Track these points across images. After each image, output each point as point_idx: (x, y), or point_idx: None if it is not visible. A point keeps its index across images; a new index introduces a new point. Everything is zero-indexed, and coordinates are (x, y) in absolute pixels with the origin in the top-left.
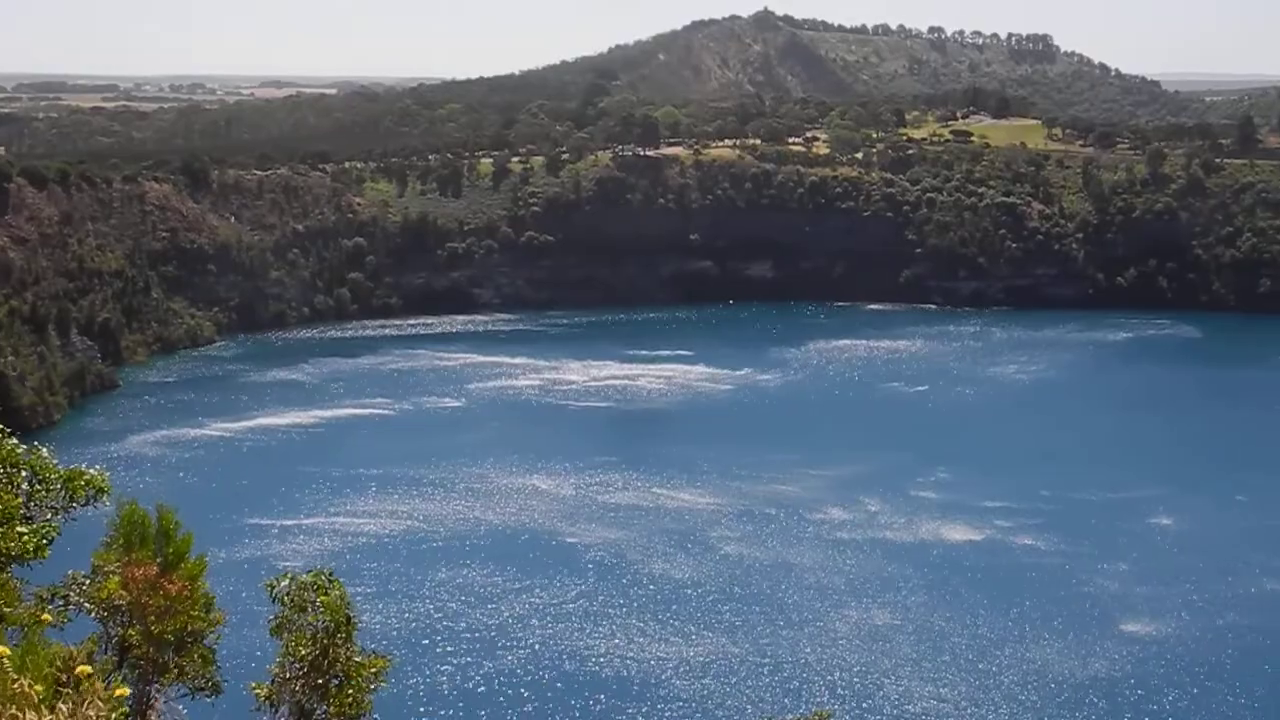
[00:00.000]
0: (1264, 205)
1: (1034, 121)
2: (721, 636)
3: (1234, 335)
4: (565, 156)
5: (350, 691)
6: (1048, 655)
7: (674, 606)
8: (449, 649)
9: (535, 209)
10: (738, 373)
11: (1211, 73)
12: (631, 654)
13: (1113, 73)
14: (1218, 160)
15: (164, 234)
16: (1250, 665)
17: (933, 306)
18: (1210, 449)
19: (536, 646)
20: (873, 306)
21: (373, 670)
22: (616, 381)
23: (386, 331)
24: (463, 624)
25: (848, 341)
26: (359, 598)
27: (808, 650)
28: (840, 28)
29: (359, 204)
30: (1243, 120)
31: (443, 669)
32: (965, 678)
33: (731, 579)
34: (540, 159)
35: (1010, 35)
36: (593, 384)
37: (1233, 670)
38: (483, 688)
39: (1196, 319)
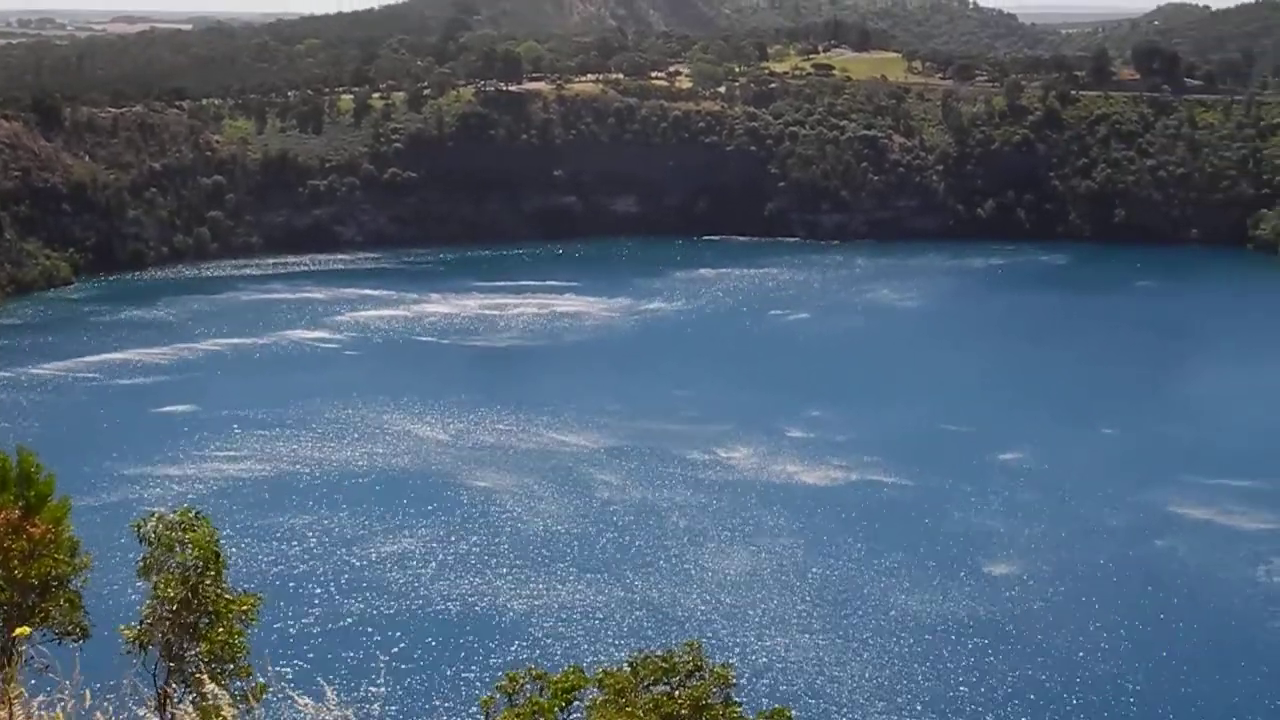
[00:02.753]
0: (1118, 137)
1: (894, 55)
2: (591, 577)
3: (1094, 263)
4: (427, 92)
5: (221, 630)
6: (913, 595)
7: (544, 547)
8: (318, 590)
9: (397, 146)
10: (607, 308)
11: (1067, 6)
12: (501, 594)
13: (971, 6)
14: (1073, 92)
15: (15, 173)
16: (1114, 600)
17: (797, 239)
18: (1079, 378)
19: (406, 587)
20: (737, 240)
21: (243, 608)
22: (484, 318)
23: (248, 270)
24: (332, 565)
25: (715, 274)
26: (227, 540)
27: (677, 591)
28: None
29: (217, 141)
30: (1097, 53)
31: (312, 609)
32: (832, 618)
33: (602, 519)
34: (402, 95)
35: None
36: (460, 321)
37: (1097, 607)
38: (353, 627)
39: (1056, 248)
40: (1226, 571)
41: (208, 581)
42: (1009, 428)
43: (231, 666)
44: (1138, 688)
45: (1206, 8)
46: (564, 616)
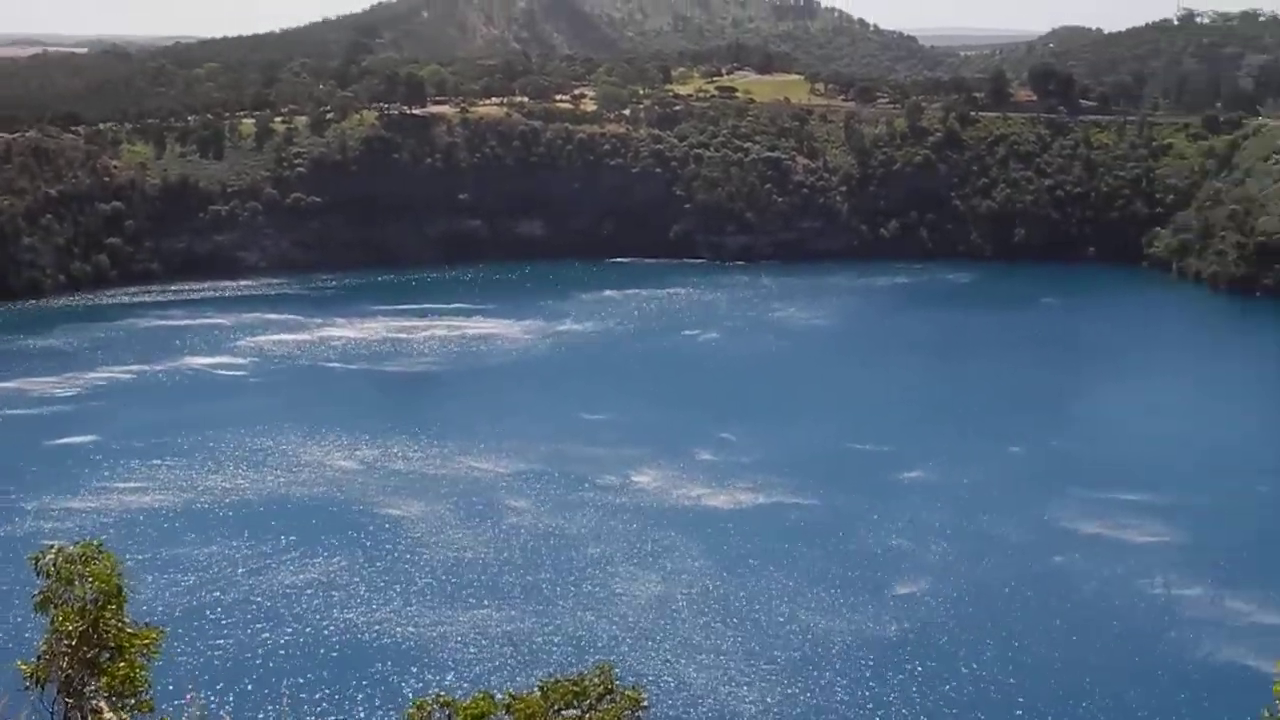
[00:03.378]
0: (1016, 157)
1: (797, 77)
2: (501, 603)
3: (998, 281)
4: (330, 116)
5: (123, 665)
6: (822, 616)
7: (453, 574)
8: (224, 621)
9: (300, 170)
10: (515, 331)
11: (965, 29)
12: (410, 621)
13: (872, 28)
14: (972, 114)
15: None
16: (1018, 616)
17: (703, 261)
18: (983, 395)
19: (313, 616)
20: (643, 262)
21: (145, 642)
22: (391, 342)
23: (148, 298)
24: (237, 595)
25: (622, 295)
26: (129, 572)
27: (588, 615)
28: None
29: (115, 167)
30: (995, 75)
31: (217, 641)
32: (742, 640)
33: (511, 545)
34: (304, 119)
35: None
36: (366, 346)
37: (1001, 623)
38: (259, 658)
39: (959, 267)
40: (1125, 585)
41: (108, 615)
42: (915, 445)
43: (133, 701)
44: (1042, 702)
45: (1099, 30)
46: (473, 643)
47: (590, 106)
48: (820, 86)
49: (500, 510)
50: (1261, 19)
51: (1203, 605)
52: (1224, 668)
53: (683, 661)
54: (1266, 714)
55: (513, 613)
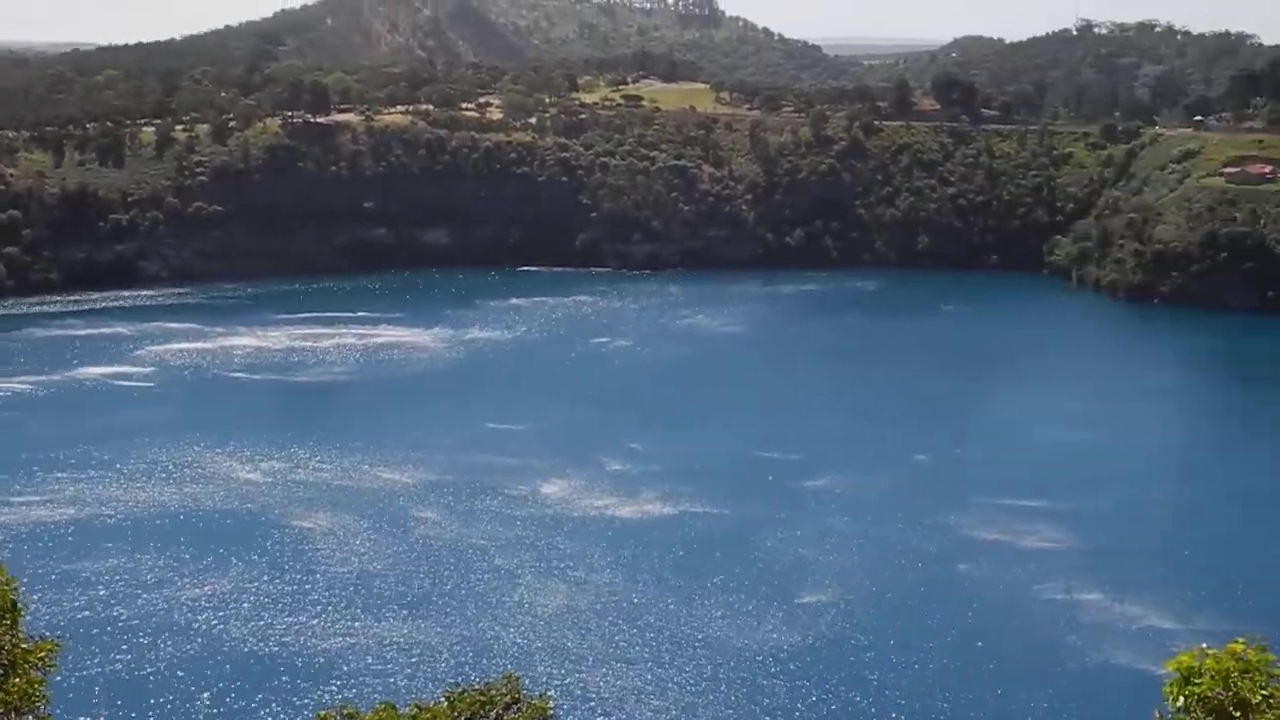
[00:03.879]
0: (920, 166)
1: (702, 85)
2: (408, 614)
3: (903, 288)
4: (232, 124)
5: (18, 680)
6: (729, 625)
7: (360, 585)
8: (126, 635)
9: (202, 178)
10: (422, 339)
11: (869, 38)
12: (315, 634)
13: (776, 37)
14: (876, 123)
15: None
16: (923, 624)
17: (609, 269)
18: (888, 402)
19: (217, 629)
20: (550, 270)
21: (40, 656)
22: (297, 352)
23: (47, 308)
24: (139, 609)
25: (530, 303)
26: (26, 587)
27: (496, 626)
28: None
29: (12, 175)
30: (898, 84)
31: (119, 655)
32: (649, 649)
33: (419, 557)
34: (206, 127)
35: (677, 0)
36: (272, 355)
37: (906, 631)
38: (162, 672)
39: (864, 275)
40: (1025, 591)
41: (1, 630)
42: (822, 453)
43: (31, 716)
44: (948, 707)
45: (1001, 40)
46: (379, 654)
47: (496, 115)
48: (725, 95)
49: (408, 521)
50: (1157, 30)
51: (1099, 610)
52: (1118, 671)
53: (589, 671)
54: (1157, 715)
55: (419, 624)
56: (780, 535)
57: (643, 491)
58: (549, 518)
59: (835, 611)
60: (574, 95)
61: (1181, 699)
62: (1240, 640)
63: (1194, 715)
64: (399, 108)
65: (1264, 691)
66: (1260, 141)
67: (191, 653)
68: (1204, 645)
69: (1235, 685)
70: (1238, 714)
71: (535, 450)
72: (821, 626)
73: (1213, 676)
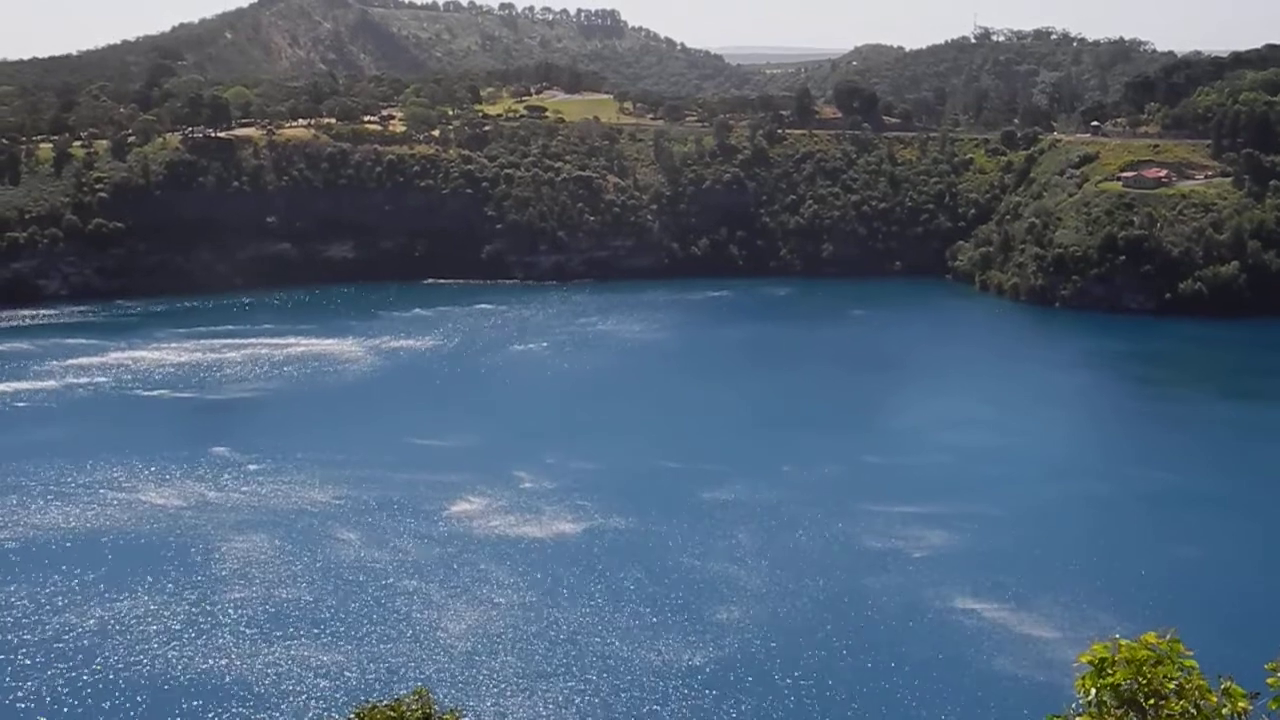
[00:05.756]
0: (823, 174)
1: (606, 96)
2: (318, 633)
3: (810, 296)
4: (131, 140)
5: None
6: (638, 642)
7: (269, 606)
8: (26, 661)
9: (102, 195)
10: (328, 354)
11: (770, 47)
12: (225, 656)
13: (679, 47)
14: (779, 131)
15: None
16: (830, 637)
17: (515, 281)
18: (796, 409)
19: (124, 655)
20: (457, 283)
21: None
22: (201, 369)
23: None
24: (41, 634)
25: (437, 315)
26: None
27: (408, 644)
28: (411, 4)
29: None
30: (800, 93)
31: (20, 682)
32: (561, 666)
33: (329, 576)
34: (104, 143)
35: (579, 11)
36: (175, 373)
37: (812, 645)
38: (64, 700)
39: (770, 283)
40: (934, 598)
41: None
42: (732, 463)
43: None
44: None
45: (901, 48)
46: (289, 675)
47: (399, 128)
48: (629, 105)
49: (318, 540)
50: (1053, 37)
51: (1003, 614)
52: (1023, 674)
53: (501, 687)
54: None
55: (329, 644)
56: (690, 548)
57: (555, 507)
58: (462, 535)
59: (743, 624)
60: (477, 107)
61: (1094, 690)
62: (1153, 632)
63: (1106, 707)
64: (301, 121)
65: (1175, 681)
66: (1155, 146)
67: (95, 678)
68: (1117, 636)
69: (1148, 675)
70: (1150, 704)
71: (448, 465)
72: (729, 639)
73: (1126, 666)
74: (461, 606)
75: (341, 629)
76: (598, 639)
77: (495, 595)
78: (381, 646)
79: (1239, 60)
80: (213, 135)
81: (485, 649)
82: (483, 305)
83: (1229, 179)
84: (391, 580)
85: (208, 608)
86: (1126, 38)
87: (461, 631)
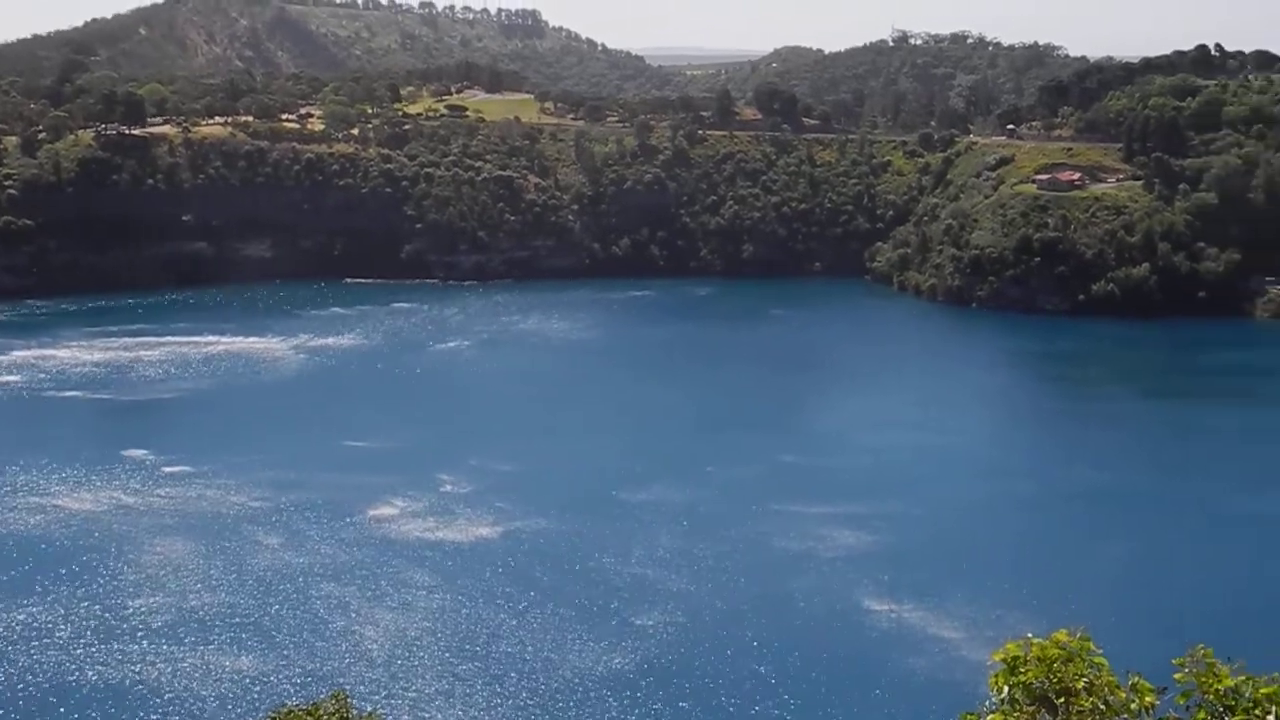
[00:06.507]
0: (743, 175)
1: (527, 96)
2: (236, 639)
3: (731, 297)
4: (42, 136)
5: None
6: (559, 646)
7: (184, 611)
8: None
9: (11, 192)
10: (246, 353)
11: (691, 48)
12: (137, 662)
13: (600, 48)
14: (700, 132)
15: None
16: (752, 641)
17: (436, 280)
18: (721, 409)
19: (31, 660)
20: (376, 282)
21: None
22: (116, 369)
23: None
24: None
25: (357, 314)
26: None
27: (326, 649)
28: (330, 2)
29: None
30: (721, 94)
31: None
32: (481, 670)
33: (248, 581)
34: (14, 139)
35: (500, 10)
36: (89, 373)
37: (736, 648)
38: None
39: (691, 284)
40: (849, 602)
41: None
42: (653, 463)
43: None
44: None
45: (820, 51)
46: (205, 680)
47: (318, 126)
48: (550, 105)
49: (235, 544)
50: (970, 41)
51: (922, 614)
52: (935, 674)
53: (419, 691)
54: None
55: (246, 648)
56: (610, 550)
57: (476, 509)
58: (383, 538)
59: (663, 626)
60: (397, 106)
61: (1006, 688)
62: (1064, 630)
63: (1018, 704)
64: (217, 119)
65: (1085, 679)
66: (1069, 150)
67: (4, 685)
68: (1029, 635)
69: (1059, 673)
70: (1061, 701)
71: (369, 467)
72: (649, 641)
73: (1038, 664)
74: (380, 610)
75: (258, 633)
76: (517, 642)
77: (414, 598)
78: (298, 650)
79: (1149, 66)
80: (127, 132)
81: (403, 652)
82: (402, 304)
83: (1140, 182)
84: (309, 584)
85: (120, 614)
86: (1041, 42)
87: (380, 635)
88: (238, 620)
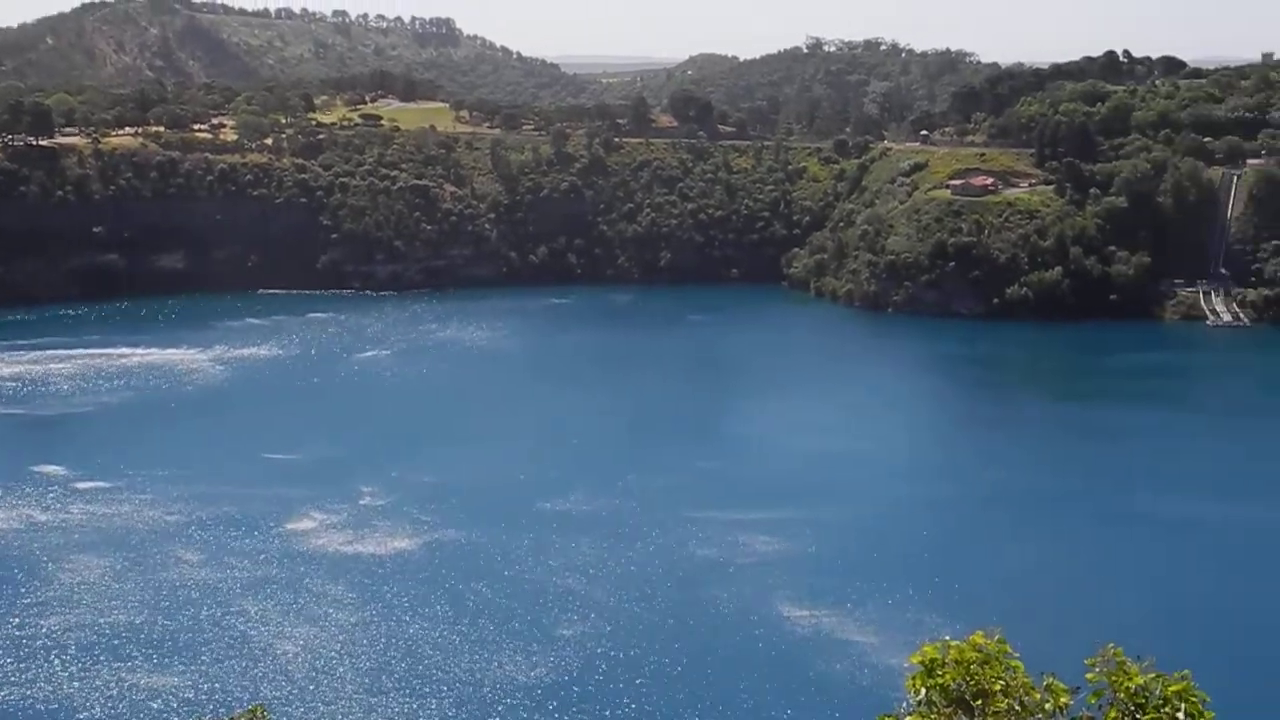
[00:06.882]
0: (660, 182)
1: (442, 104)
2: (151, 657)
3: (650, 304)
4: None
5: None
6: (479, 659)
7: (100, 630)
8: None
9: None
10: (163, 366)
11: (606, 56)
12: (49, 682)
13: (515, 56)
14: (616, 139)
15: None
16: (673, 651)
17: (352, 290)
18: (639, 416)
19: None
20: (292, 293)
21: None
22: (26, 383)
23: None
24: None
25: (272, 325)
26: None
27: (244, 665)
28: (242, 11)
29: None
30: (637, 101)
31: None
32: (400, 684)
33: (164, 598)
34: None
35: (414, 19)
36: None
37: (656, 659)
38: None
39: (608, 291)
40: (768, 607)
41: None
42: (572, 472)
43: None
44: None
45: (735, 58)
46: (121, 698)
47: (230, 136)
48: (465, 114)
49: (151, 560)
50: (883, 48)
51: (839, 620)
52: (853, 677)
53: (339, 705)
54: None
55: (163, 665)
56: (530, 560)
57: (396, 521)
58: (301, 552)
59: (584, 635)
60: (311, 115)
61: (924, 690)
62: (980, 632)
63: (935, 706)
64: (128, 129)
65: (1001, 680)
66: (982, 155)
67: None
68: (947, 637)
69: (975, 675)
70: (977, 703)
71: (287, 480)
72: (570, 651)
73: (955, 667)
74: (299, 624)
75: (174, 649)
76: (438, 653)
77: (334, 612)
78: (216, 666)
79: (1059, 72)
80: (35, 143)
81: (323, 666)
82: (319, 315)
83: (1051, 187)
84: (227, 599)
85: (32, 632)
86: (953, 49)
87: (298, 649)
88: (154, 637)
